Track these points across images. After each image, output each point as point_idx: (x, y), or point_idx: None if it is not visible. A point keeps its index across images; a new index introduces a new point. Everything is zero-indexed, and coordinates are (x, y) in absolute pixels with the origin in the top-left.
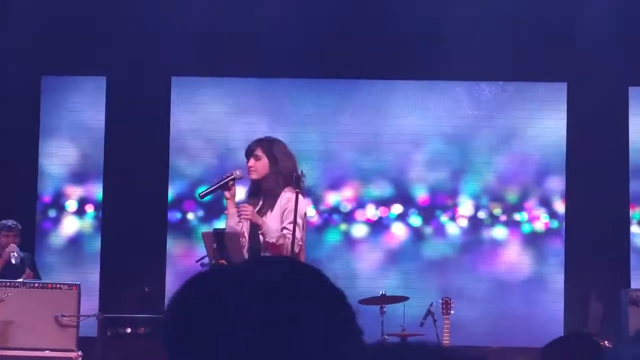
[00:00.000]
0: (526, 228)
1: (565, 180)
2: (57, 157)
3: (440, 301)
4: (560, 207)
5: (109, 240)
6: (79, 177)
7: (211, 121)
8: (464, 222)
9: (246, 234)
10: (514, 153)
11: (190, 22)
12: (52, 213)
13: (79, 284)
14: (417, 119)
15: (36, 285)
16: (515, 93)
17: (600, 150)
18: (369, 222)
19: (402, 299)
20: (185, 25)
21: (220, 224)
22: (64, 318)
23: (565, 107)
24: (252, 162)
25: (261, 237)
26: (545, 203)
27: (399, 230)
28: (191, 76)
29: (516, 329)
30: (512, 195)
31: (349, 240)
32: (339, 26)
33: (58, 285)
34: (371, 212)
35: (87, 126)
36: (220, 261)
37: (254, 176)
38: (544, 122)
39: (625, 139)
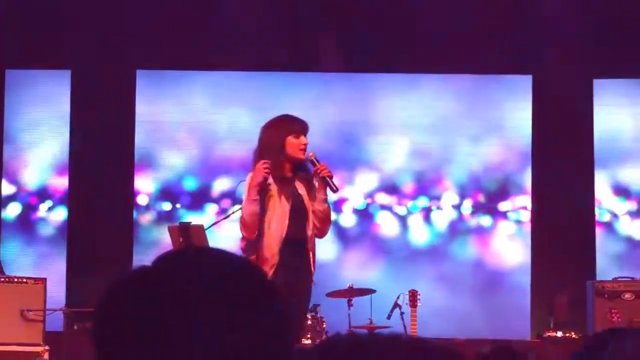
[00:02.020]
0: (488, 222)
1: (531, 173)
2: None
3: (407, 293)
4: (526, 200)
5: (76, 235)
6: (45, 169)
7: (175, 113)
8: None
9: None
10: (481, 146)
11: (156, 12)
12: (16, 205)
13: (45, 278)
14: (397, 111)
15: (1, 279)
16: (481, 86)
17: (565, 143)
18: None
19: (369, 291)
20: (151, 16)
21: (196, 219)
22: (30, 312)
23: (530, 100)
24: (305, 139)
25: (315, 207)
26: (511, 196)
27: (383, 221)
28: (156, 69)
29: (483, 321)
30: (482, 191)
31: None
32: (320, 19)
33: (24, 280)
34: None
35: (51, 119)
36: None
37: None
38: (509, 115)
39: (590, 132)
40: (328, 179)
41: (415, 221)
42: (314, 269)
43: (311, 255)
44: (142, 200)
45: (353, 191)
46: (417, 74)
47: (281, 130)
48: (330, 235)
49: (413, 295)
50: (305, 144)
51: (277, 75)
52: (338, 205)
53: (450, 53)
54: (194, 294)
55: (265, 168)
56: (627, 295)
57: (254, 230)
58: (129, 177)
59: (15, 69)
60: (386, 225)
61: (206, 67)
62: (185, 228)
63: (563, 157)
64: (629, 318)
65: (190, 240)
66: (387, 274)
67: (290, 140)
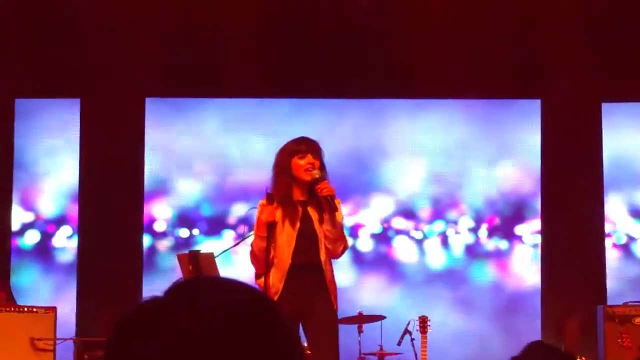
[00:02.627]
0: (504, 245)
1: (541, 197)
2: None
3: (417, 319)
4: (536, 224)
5: (86, 263)
6: (60, 197)
7: (187, 140)
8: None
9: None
10: (496, 170)
11: (164, 40)
12: (34, 233)
13: (55, 307)
14: (410, 136)
15: (12, 308)
16: (491, 110)
17: (574, 167)
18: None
19: (378, 318)
20: (158, 47)
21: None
22: (40, 342)
23: (540, 124)
24: (312, 159)
25: (323, 227)
26: (526, 219)
27: (399, 245)
28: (164, 97)
29: (499, 345)
30: (498, 214)
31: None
32: (331, 44)
33: (34, 309)
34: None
35: (62, 148)
36: None
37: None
38: (521, 138)
39: (599, 155)
40: (328, 198)
41: (432, 245)
42: (335, 295)
43: (327, 279)
44: (159, 227)
45: (369, 216)
46: (427, 99)
47: (288, 152)
48: (347, 260)
49: (423, 322)
50: (312, 164)
51: (290, 101)
52: (354, 230)
53: (460, 78)
54: (205, 328)
55: (260, 211)
56: (638, 320)
57: (263, 265)
58: (139, 205)
59: (25, 97)
60: (403, 249)
61: (216, 95)
62: (195, 256)
63: (573, 181)
64: None
65: (200, 268)
66: (403, 299)
67: (296, 161)
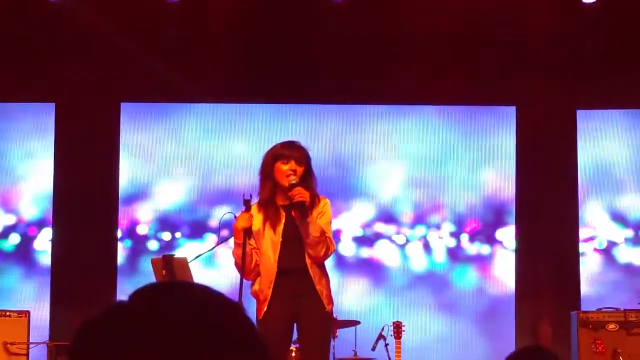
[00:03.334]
0: (484, 250)
1: (515, 203)
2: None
3: (391, 324)
4: (502, 232)
5: (59, 267)
6: (36, 202)
7: (161, 145)
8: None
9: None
10: (476, 175)
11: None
12: (15, 236)
13: (29, 311)
14: (389, 141)
15: None
16: (469, 116)
17: (549, 173)
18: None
19: (353, 323)
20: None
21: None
22: (13, 346)
23: (514, 131)
24: (294, 165)
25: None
26: (508, 224)
27: (381, 250)
28: (140, 102)
29: (479, 349)
30: (480, 219)
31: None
32: (310, 51)
33: (7, 313)
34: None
35: (40, 151)
36: None
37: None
38: (500, 144)
39: (574, 162)
40: (299, 204)
41: (414, 250)
42: (327, 296)
43: (316, 282)
44: (141, 230)
45: (350, 220)
46: (405, 105)
47: (272, 156)
48: (328, 265)
49: (397, 327)
50: (294, 170)
51: (269, 107)
52: (336, 235)
53: (437, 84)
54: (167, 334)
55: (237, 220)
56: (611, 326)
57: (248, 272)
58: (114, 209)
59: (1, 102)
60: (384, 254)
61: (191, 100)
62: (168, 261)
63: (548, 187)
64: (613, 348)
65: (173, 273)
66: (385, 303)
67: (279, 166)
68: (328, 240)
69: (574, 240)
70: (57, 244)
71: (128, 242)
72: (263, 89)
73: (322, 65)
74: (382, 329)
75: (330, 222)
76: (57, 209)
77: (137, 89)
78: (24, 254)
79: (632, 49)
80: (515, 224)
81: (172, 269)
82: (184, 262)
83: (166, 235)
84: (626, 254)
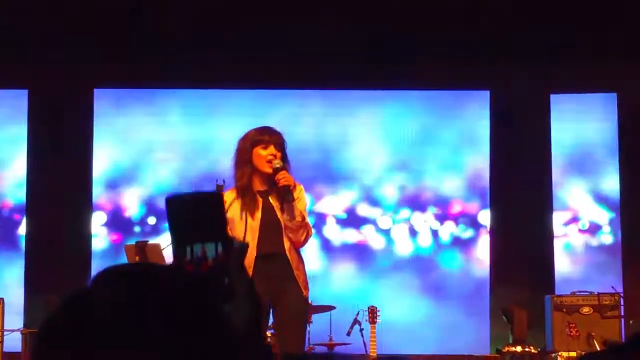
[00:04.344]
0: (452, 235)
1: (489, 188)
2: None
3: (366, 310)
4: (485, 214)
5: (34, 253)
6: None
7: (135, 132)
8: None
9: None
10: (442, 160)
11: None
12: None
13: (2, 298)
14: (371, 125)
15: None
16: (447, 100)
17: (523, 158)
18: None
19: (328, 308)
20: (109, 35)
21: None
22: None
23: (488, 114)
24: (274, 150)
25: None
26: (471, 210)
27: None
28: (114, 88)
29: (443, 337)
30: (437, 203)
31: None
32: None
33: None
34: None
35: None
36: None
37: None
38: (479, 128)
39: (548, 147)
40: (285, 188)
41: (399, 233)
42: (304, 281)
43: (294, 267)
44: (126, 214)
45: (335, 203)
46: (384, 90)
47: (249, 141)
48: (313, 248)
49: (372, 312)
50: (274, 155)
51: (253, 92)
52: (321, 218)
53: (413, 69)
54: (129, 318)
55: None
56: (585, 310)
57: None
58: (88, 194)
59: None
60: (370, 237)
61: (173, 86)
62: (142, 247)
63: (521, 171)
64: (587, 332)
65: (146, 259)
66: (371, 286)
67: (257, 151)
68: (307, 227)
69: (549, 224)
70: (30, 230)
71: (113, 227)
72: (245, 74)
73: (304, 51)
74: (357, 313)
75: (306, 208)
76: (31, 196)
77: (112, 75)
78: (9, 239)
79: (603, 34)
80: (490, 208)
81: (145, 255)
82: (157, 248)
83: (151, 220)
84: (608, 236)
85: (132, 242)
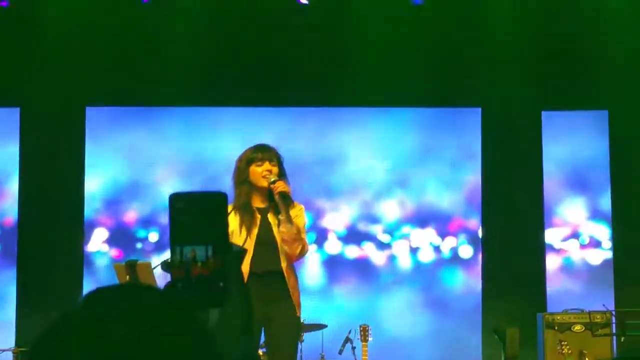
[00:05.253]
0: (447, 254)
1: (481, 206)
2: None
3: (359, 328)
4: (476, 233)
5: (25, 273)
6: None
7: (127, 150)
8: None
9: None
10: (433, 179)
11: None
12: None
13: None
14: (367, 143)
15: None
16: (431, 118)
17: (515, 175)
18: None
19: (319, 326)
20: (100, 54)
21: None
22: None
23: (480, 132)
24: (269, 166)
25: (280, 229)
26: (464, 229)
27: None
28: (106, 106)
29: (442, 354)
30: (434, 222)
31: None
32: (265, 54)
33: None
34: None
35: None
36: None
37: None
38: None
39: (539, 164)
40: (283, 194)
41: (399, 249)
42: (298, 300)
43: (290, 285)
44: (125, 232)
45: (335, 220)
46: (379, 108)
47: (245, 160)
48: (314, 264)
49: (364, 330)
50: (269, 171)
51: (253, 109)
52: (323, 234)
53: (407, 87)
54: (117, 336)
55: None
56: (577, 327)
57: None
58: (79, 212)
59: None
60: (370, 253)
61: (176, 104)
62: (132, 266)
63: (513, 188)
64: (579, 350)
65: (137, 278)
66: (372, 302)
67: (253, 169)
68: (303, 241)
69: (540, 241)
70: (22, 251)
71: (114, 244)
72: (242, 92)
73: (300, 70)
74: (349, 332)
75: (305, 226)
76: (23, 213)
77: (105, 92)
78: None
79: (594, 51)
80: (482, 224)
81: (135, 274)
82: (147, 267)
83: (153, 236)
84: (605, 253)
85: (134, 258)
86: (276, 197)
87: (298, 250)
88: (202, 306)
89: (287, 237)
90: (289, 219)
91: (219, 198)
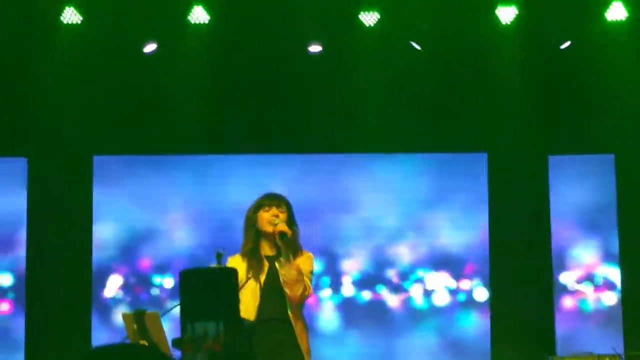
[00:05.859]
0: (459, 299)
1: (489, 251)
2: None
3: None
4: (484, 279)
5: (34, 325)
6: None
7: (134, 200)
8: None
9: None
10: (445, 223)
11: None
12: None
13: None
14: (369, 189)
15: None
16: (436, 164)
17: (521, 219)
18: None
19: None
20: (107, 103)
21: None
22: None
23: (486, 177)
24: (276, 212)
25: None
26: (478, 272)
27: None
28: (113, 155)
29: None
30: (447, 265)
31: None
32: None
33: None
34: None
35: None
36: (141, 342)
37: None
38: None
39: (547, 207)
40: (282, 234)
41: (414, 293)
42: (306, 348)
43: (297, 333)
44: (141, 277)
45: (349, 265)
46: (383, 154)
47: (254, 207)
48: (329, 308)
49: None
50: (276, 216)
51: (258, 157)
52: (338, 278)
53: (411, 132)
54: None
55: None
56: None
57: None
58: (87, 261)
59: None
60: (385, 297)
61: (171, 152)
62: (140, 315)
63: (521, 232)
64: None
65: (145, 327)
66: (387, 346)
67: (261, 215)
68: (305, 283)
69: (548, 284)
70: (32, 296)
71: (129, 290)
72: (252, 139)
73: (309, 118)
74: None
75: (311, 272)
76: (31, 263)
77: (113, 141)
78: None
79: (601, 94)
80: (489, 269)
81: (143, 323)
82: (155, 317)
83: (168, 282)
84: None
85: (142, 308)
86: (276, 237)
87: (299, 292)
88: None
89: (287, 279)
90: (288, 258)
91: (229, 273)
